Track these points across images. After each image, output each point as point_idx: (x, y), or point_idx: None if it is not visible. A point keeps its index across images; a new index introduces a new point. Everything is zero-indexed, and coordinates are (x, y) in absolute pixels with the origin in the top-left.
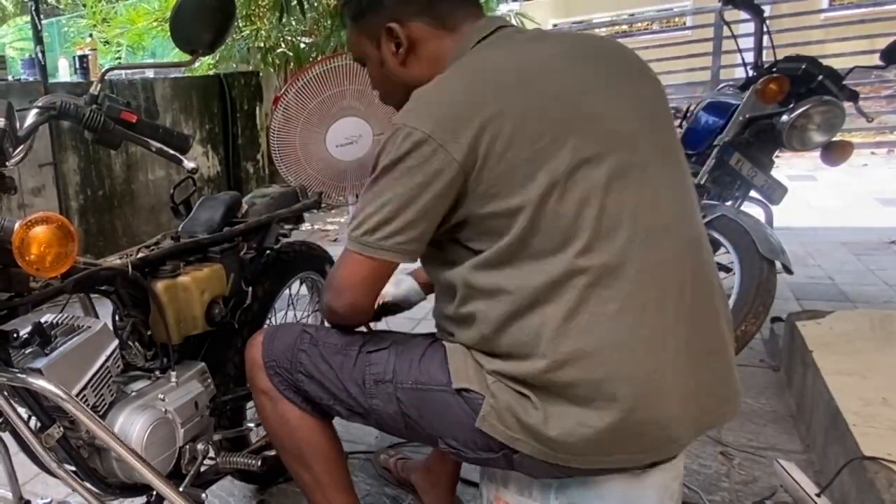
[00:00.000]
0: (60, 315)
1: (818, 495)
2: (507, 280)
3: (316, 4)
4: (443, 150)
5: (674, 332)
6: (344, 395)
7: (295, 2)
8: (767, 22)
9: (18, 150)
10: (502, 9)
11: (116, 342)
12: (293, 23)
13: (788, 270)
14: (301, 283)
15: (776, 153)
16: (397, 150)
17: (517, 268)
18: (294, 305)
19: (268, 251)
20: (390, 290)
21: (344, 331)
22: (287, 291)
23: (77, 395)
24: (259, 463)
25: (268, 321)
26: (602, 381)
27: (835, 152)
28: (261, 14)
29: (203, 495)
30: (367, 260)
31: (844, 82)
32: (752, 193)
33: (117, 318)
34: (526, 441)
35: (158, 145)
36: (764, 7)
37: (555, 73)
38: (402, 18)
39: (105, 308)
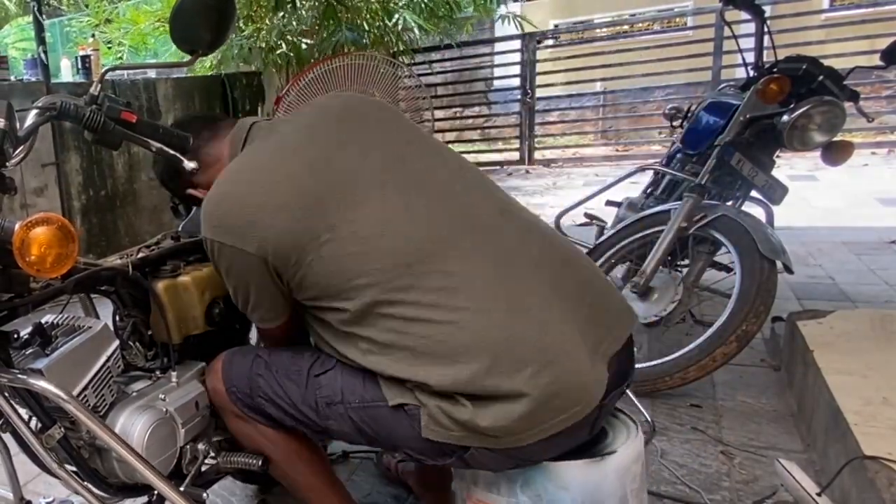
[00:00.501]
0: (61, 315)
1: (819, 494)
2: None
3: (317, 4)
4: (239, 250)
5: (530, 292)
6: (302, 417)
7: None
8: (768, 22)
9: (19, 150)
10: (502, 10)
11: (117, 342)
12: (294, 23)
13: (789, 270)
14: None
15: (777, 153)
16: (214, 258)
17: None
18: None
19: None
20: None
21: (293, 353)
22: None
23: (78, 396)
24: (260, 462)
25: None
26: (493, 363)
27: (835, 152)
28: (262, 14)
29: (204, 495)
30: (263, 328)
31: (845, 82)
32: (753, 193)
33: (118, 318)
34: (468, 436)
35: (159, 145)
36: (765, 7)
37: (296, 154)
38: (188, 182)
39: (106, 308)
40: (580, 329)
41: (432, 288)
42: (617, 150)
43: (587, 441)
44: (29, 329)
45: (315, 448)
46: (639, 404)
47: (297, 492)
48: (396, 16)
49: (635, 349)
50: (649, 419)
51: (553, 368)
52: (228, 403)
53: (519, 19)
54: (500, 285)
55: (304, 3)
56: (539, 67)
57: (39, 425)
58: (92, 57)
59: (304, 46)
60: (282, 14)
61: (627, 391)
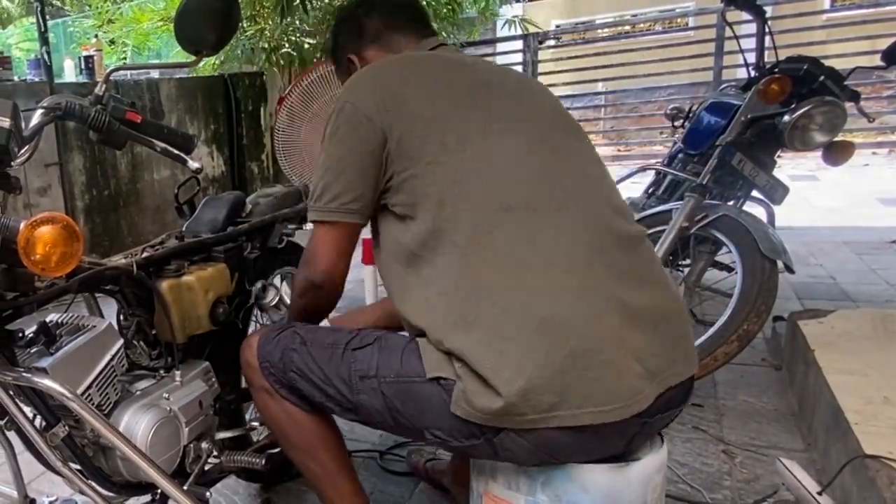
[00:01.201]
0: (65, 314)
1: (820, 493)
2: (431, 267)
3: (318, 4)
4: (369, 120)
5: (614, 292)
6: (333, 392)
7: (297, 1)
8: (769, 22)
9: (23, 150)
10: (506, 12)
11: (121, 341)
12: (297, 23)
13: (790, 270)
14: (283, 280)
15: (778, 153)
16: (335, 121)
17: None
18: (284, 303)
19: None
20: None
21: (331, 330)
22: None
23: (82, 395)
24: (263, 461)
25: (252, 317)
26: (537, 327)
27: (836, 152)
28: (265, 14)
29: (207, 493)
30: (325, 226)
31: (846, 83)
32: (754, 193)
33: (122, 317)
34: (501, 418)
35: (163, 145)
36: (766, 8)
37: (468, 75)
38: (358, 51)
39: (110, 307)
40: (644, 345)
41: (514, 245)
42: (619, 150)
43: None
44: (34, 328)
45: (338, 437)
46: None
47: (311, 478)
48: None
49: None
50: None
51: (597, 357)
52: (260, 378)
53: (524, 23)
54: (578, 272)
55: (310, 3)
56: (541, 68)
57: (44, 424)
58: (95, 57)
59: (306, 46)
60: (283, 15)
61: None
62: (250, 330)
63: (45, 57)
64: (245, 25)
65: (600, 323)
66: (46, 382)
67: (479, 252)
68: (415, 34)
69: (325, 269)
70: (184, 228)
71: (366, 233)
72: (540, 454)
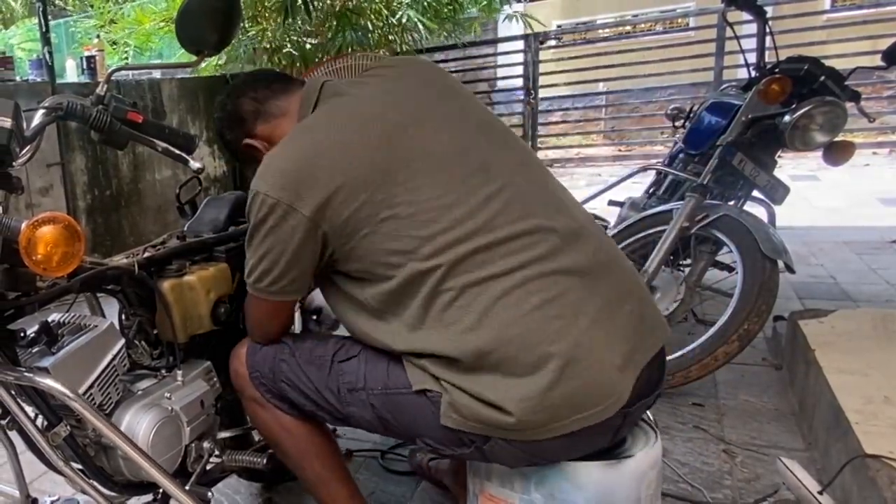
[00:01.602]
0: (67, 314)
1: (820, 493)
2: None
3: (320, 5)
4: (292, 209)
5: (577, 294)
6: (323, 403)
7: (300, 2)
8: (770, 23)
9: (25, 150)
10: (506, 10)
11: (123, 341)
12: (299, 23)
13: (791, 269)
14: None
15: (778, 153)
16: (257, 214)
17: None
18: None
19: None
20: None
21: (318, 339)
22: None
23: (83, 394)
24: (265, 461)
25: None
26: (519, 353)
27: (837, 152)
28: (266, 15)
29: (209, 493)
30: (263, 302)
31: (846, 83)
32: (755, 193)
33: (124, 317)
34: (485, 428)
35: (164, 145)
36: (766, 8)
37: (374, 122)
38: (249, 134)
39: (111, 307)
40: (614, 334)
41: (475, 274)
42: (619, 150)
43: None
44: (35, 328)
45: (330, 442)
46: None
47: (307, 484)
48: (400, 13)
49: None
50: (651, 418)
51: (578, 366)
52: (250, 387)
53: (525, 18)
54: (543, 280)
55: (312, 4)
56: (542, 68)
57: (46, 423)
58: (97, 57)
59: (308, 47)
60: (287, 16)
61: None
62: None
63: (47, 57)
64: (247, 26)
65: (571, 330)
66: (48, 382)
67: (440, 298)
68: (285, 91)
69: (262, 335)
70: (185, 228)
71: None
72: (529, 458)
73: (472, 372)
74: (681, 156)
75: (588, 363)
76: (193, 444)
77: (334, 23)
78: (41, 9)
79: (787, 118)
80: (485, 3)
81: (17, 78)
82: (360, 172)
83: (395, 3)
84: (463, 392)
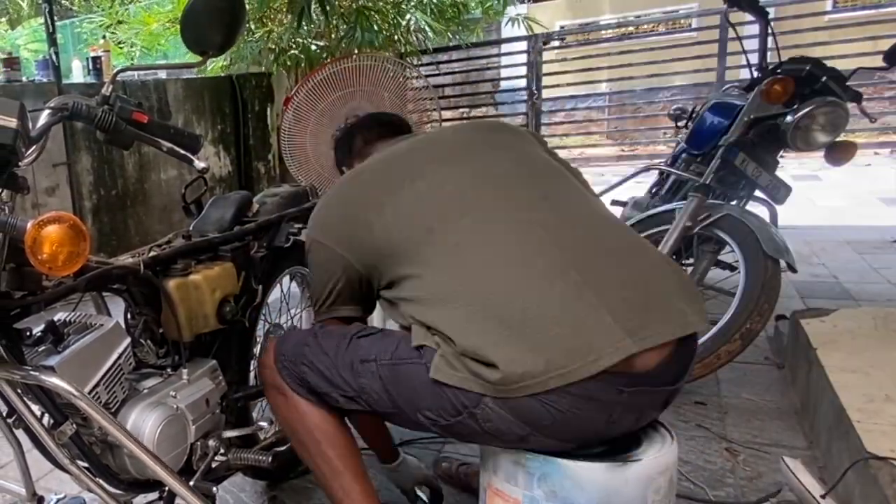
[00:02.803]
0: (73, 313)
1: (823, 497)
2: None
3: (328, 8)
4: (330, 248)
5: (559, 263)
6: (339, 381)
7: (315, 4)
8: (772, 24)
9: (31, 150)
10: (510, 11)
11: (128, 340)
12: (305, 26)
13: (793, 269)
14: (291, 279)
15: (781, 153)
16: (308, 253)
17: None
18: (287, 301)
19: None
20: None
21: (342, 325)
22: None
23: (89, 393)
24: (270, 459)
25: (262, 317)
26: (504, 311)
27: (838, 152)
28: (272, 16)
29: (214, 491)
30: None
31: (848, 83)
32: (757, 193)
33: (129, 316)
34: (476, 381)
35: (170, 145)
36: (769, 9)
37: (411, 181)
38: (347, 164)
39: (117, 306)
40: (603, 306)
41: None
42: (622, 150)
43: (616, 447)
44: (41, 327)
45: (348, 436)
46: None
47: (321, 477)
48: (409, 16)
49: None
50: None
51: (558, 325)
52: (274, 375)
53: (528, 21)
54: (534, 263)
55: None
56: (545, 68)
57: (52, 422)
58: (103, 58)
59: (314, 48)
60: (300, 21)
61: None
62: (258, 329)
63: (53, 57)
64: (253, 27)
65: (552, 289)
66: (54, 381)
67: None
68: (381, 141)
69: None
70: (191, 228)
71: None
72: (521, 424)
73: (462, 330)
74: (683, 156)
75: (561, 318)
76: (199, 443)
77: (343, 24)
78: (48, 9)
79: (789, 118)
80: (489, 4)
81: (24, 78)
82: (393, 225)
83: (402, 4)
84: (452, 344)
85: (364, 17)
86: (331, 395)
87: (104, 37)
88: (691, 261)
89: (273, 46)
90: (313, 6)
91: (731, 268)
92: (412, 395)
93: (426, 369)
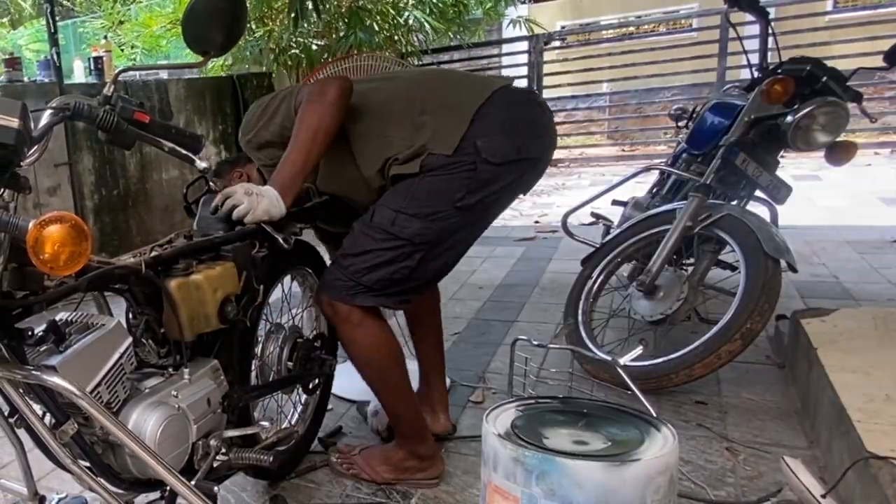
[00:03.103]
0: (75, 313)
1: (823, 496)
2: None
3: (328, 7)
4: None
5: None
6: (392, 253)
7: (310, 5)
8: (772, 24)
9: (33, 150)
10: (511, 13)
11: (130, 340)
12: (305, 25)
13: (793, 269)
14: (293, 280)
15: (781, 153)
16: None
17: None
18: (288, 301)
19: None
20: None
21: None
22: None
23: (91, 392)
24: (271, 459)
25: (263, 316)
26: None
27: (839, 152)
28: (273, 16)
29: (215, 490)
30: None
31: (848, 83)
32: (758, 193)
33: (131, 316)
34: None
35: (171, 145)
36: (769, 9)
37: None
38: None
39: (119, 306)
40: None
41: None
42: (623, 151)
43: (618, 450)
44: (43, 326)
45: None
46: (644, 401)
47: (388, 394)
48: (406, 13)
49: (641, 346)
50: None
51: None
52: (341, 308)
53: (529, 23)
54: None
55: (323, 5)
56: (546, 69)
57: (53, 421)
58: (104, 58)
59: (314, 48)
60: (297, 20)
61: (634, 388)
62: (259, 329)
63: (55, 58)
64: (253, 27)
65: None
66: (56, 380)
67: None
68: None
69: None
70: (195, 226)
71: None
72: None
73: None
74: (684, 156)
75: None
76: (200, 442)
77: (342, 23)
78: (49, 10)
79: (789, 118)
80: (490, 4)
81: (26, 78)
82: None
83: (401, 4)
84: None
85: (358, 17)
86: (398, 274)
87: (106, 37)
88: (692, 261)
89: (274, 46)
90: (308, 6)
91: (732, 268)
92: (440, 195)
93: (426, 175)
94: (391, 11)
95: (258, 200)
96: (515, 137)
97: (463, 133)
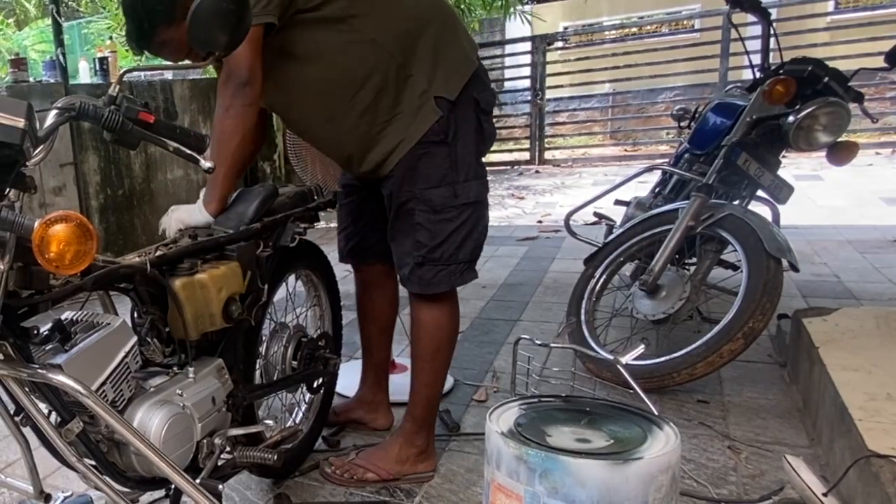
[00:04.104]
0: (80, 312)
1: (825, 495)
2: None
3: None
4: None
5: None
6: (463, 217)
7: None
8: (774, 24)
9: (38, 150)
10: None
11: (135, 339)
12: None
13: (795, 268)
14: (297, 279)
15: (783, 153)
16: None
17: None
18: (293, 301)
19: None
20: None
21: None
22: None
23: (96, 391)
24: (275, 457)
25: (267, 317)
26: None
27: (840, 152)
28: None
29: (220, 488)
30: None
31: (850, 84)
32: (760, 193)
33: (136, 315)
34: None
35: (176, 145)
36: (771, 10)
37: None
38: None
39: (124, 305)
40: None
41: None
42: (625, 151)
43: (620, 448)
44: (49, 325)
45: None
46: (647, 400)
47: (440, 371)
48: None
49: (643, 345)
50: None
51: None
52: (435, 300)
53: (528, 16)
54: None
55: None
56: (549, 69)
57: (59, 420)
58: (110, 59)
59: None
60: None
61: (636, 387)
62: (264, 328)
63: (61, 58)
64: None
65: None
66: (61, 379)
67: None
68: None
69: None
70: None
71: None
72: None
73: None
74: (686, 156)
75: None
76: (205, 441)
77: None
78: (54, 10)
79: (791, 119)
80: (494, 5)
81: (31, 79)
82: None
83: None
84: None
85: None
86: (482, 236)
87: (111, 37)
88: (694, 260)
89: None
90: None
91: (734, 267)
92: (468, 155)
93: (443, 145)
94: None
95: (171, 215)
96: (491, 88)
97: (465, 84)
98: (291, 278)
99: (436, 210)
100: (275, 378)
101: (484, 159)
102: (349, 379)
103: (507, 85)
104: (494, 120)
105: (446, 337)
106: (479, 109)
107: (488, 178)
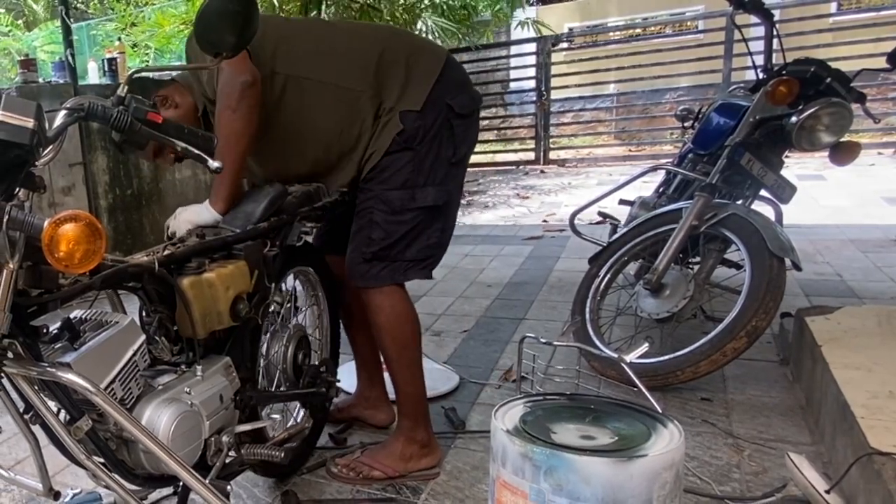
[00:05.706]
0: (89, 311)
1: (827, 492)
2: None
3: (339, 9)
4: None
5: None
6: (417, 220)
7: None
8: (777, 26)
9: (48, 150)
10: (519, 14)
11: (143, 337)
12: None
13: (797, 267)
14: (295, 278)
15: (786, 153)
16: None
17: None
18: (294, 299)
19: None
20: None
21: None
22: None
23: (105, 389)
24: (283, 454)
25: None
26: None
27: (843, 152)
28: (288, 15)
29: (228, 486)
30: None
31: (852, 84)
32: (763, 192)
33: (144, 313)
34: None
35: (184, 145)
36: (774, 11)
37: None
38: None
39: (132, 304)
40: None
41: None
42: (630, 151)
43: (624, 446)
44: (58, 324)
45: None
46: (651, 397)
47: (405, 369)
48: (420, 21)
49: (647, 344)
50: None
51: None
52: (377, 291)
53: (537, 24)
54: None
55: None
56: (554, 70)
57: (68, 417)
58: (118, 59)
59: None
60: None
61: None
62: (266, 328)
63: (70, 59)
64: None
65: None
66: (70, 377)
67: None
68: None
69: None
70: (221, 220)
71: None
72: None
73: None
74: (690, 156)
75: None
76: (213, 438)
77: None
78: (63, 12)
79: (794, 119)
80: (498, 7)
81: (41, 79)
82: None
83: (416, 10)
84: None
85: (368, 17)
86: (431, 239)
87: (119, 38)
88: (698, 259)
89: None
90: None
91: (737, 266)
92: (436, 159)
93: (409, 150)
94: (402, 16)
95: (179, 216)
96: (470, 90)
97: (429, 92)
98: (290, 278)
99: (394, 211)
100: (276, 377)
101: (483, 159)
102: (351, 377)
103: (513, 86)
104: (499, 120)
105: (408, 333)
106: (453, 114)
107: (489, 179)
